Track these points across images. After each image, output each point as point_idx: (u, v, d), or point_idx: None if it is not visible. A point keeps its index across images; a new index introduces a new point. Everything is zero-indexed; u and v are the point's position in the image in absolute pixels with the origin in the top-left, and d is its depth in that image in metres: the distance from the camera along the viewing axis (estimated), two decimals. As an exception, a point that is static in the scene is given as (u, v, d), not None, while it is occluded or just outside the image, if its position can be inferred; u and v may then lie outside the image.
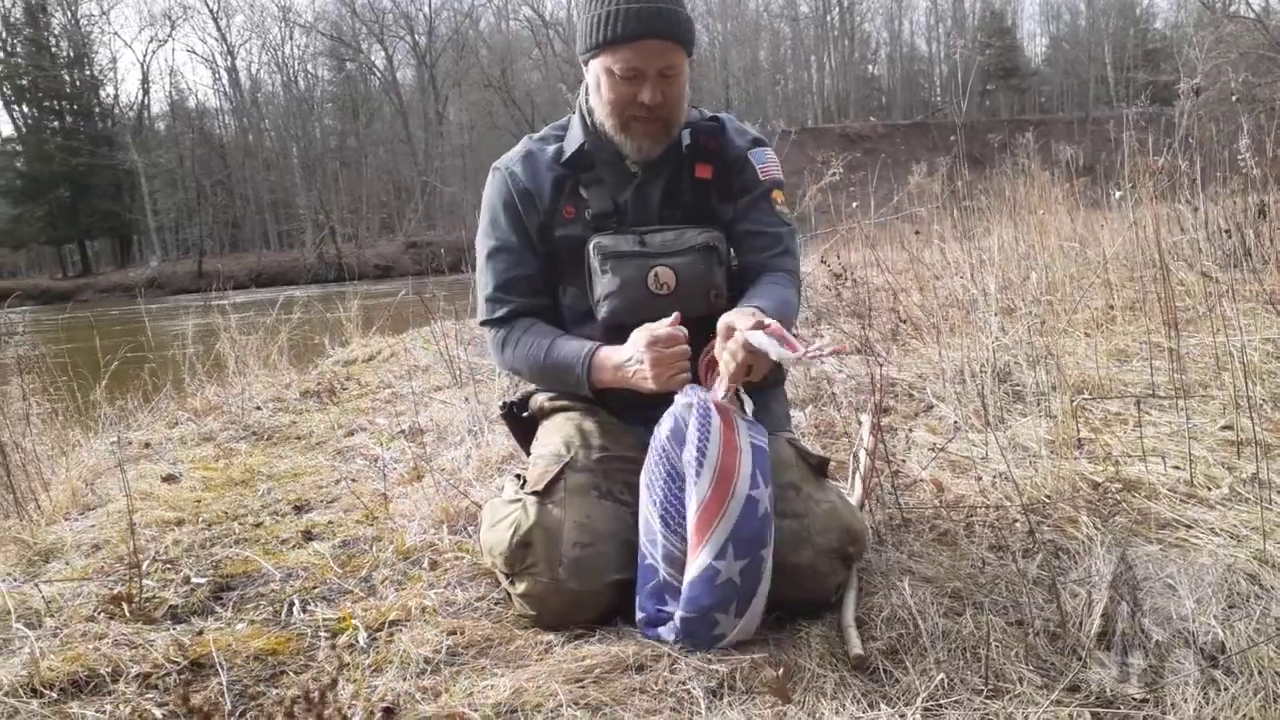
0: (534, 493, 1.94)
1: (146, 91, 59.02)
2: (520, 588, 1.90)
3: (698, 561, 1.74)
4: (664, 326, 1.91)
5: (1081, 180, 7.65)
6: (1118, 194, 4.73)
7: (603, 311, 2.03)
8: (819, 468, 2.07)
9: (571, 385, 2.04)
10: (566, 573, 1.85)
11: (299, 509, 2.77)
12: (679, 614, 1.76)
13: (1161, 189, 5.48)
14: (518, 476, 2.12)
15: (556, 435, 2.09)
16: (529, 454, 2.20)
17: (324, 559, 2.27)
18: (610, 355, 1.98)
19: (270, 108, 54.26)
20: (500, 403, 2.29)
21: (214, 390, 4.59)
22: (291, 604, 2.03)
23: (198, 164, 50.80)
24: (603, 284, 2.03)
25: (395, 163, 50.93)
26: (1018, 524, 2.31)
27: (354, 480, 2.93)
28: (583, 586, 1.86)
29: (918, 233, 5.32)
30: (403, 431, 3.42)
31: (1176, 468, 2.72)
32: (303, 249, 43.13)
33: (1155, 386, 3.61)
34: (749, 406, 1.83)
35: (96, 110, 50.55)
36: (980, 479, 2.56)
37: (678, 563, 1.79)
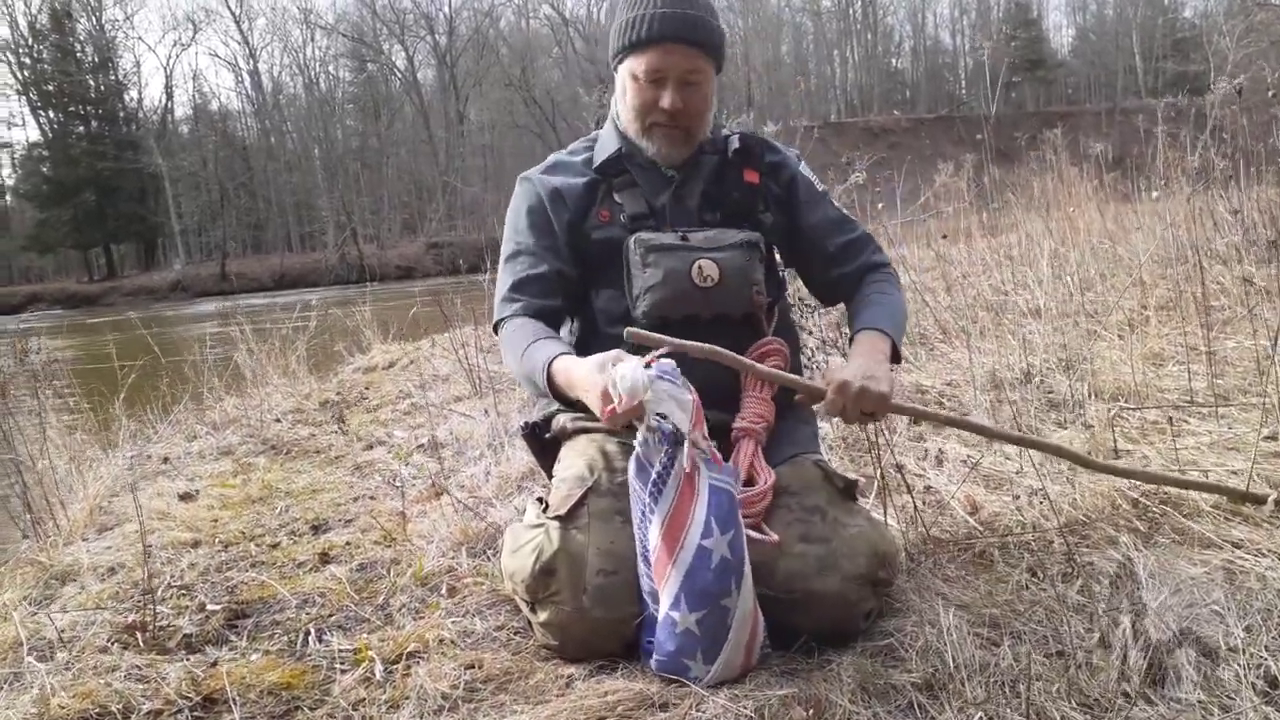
0: (557, 517, 1.88)
1: (170, 95, 59.39)
2: (543, 616, 1.84)
3: (660, 607, 1.71)
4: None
5: (1111, 175, 7.52)
6: (1154, 194, 4.61)
7: (644, 306, 1.98)
8: (847, 490, 2.00)
9: (542, 393, 1.97)
10: (591, 600, 1.79)
11: (316, 529, 2.72)
12: (654, 655, 1.73)
13: (1195, 186, 5.36)
14: (539, 500, 2.06)
15: (579, 458, 2.03)
16: (551, 476, 2.14)
17: (341, 584, 2.22)
18: (568, 369, 1.85)
19: (292, 109, 54.54)
20: (522, 422, 2.23)
21: (233, 403, 4.57)
22: (307, 633, 1.98)
23: (220, 167, 51.14)
24: (644, 278, 1.98)
25: (416, 163, 51.08)
26: (1055, 545, 2.23)
27: (372, 498, 2.88)
28: (607, 614, 1.79)
29: (945, 236, 5.22)
30: (421, 446, 3.38)
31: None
32: (325, 250, 43.32)
33: (1193, 393, 3.52)
34: (702, 442, 1.75)
35: (121, 115, 50.99)
36: (1017, 496, 2.48)
37: (655, 598, 1.75)
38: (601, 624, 1.80)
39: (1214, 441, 2.94)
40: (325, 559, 2.42)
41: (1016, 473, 2.69)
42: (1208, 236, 5.31)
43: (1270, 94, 4.76)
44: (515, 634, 1.92)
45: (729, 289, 1.99)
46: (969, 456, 2.84)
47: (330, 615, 2.08)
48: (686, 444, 1.68)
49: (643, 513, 1.75)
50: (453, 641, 1.87)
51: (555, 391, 1.89)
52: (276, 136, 53.94)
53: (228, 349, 6.15)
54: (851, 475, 2.01)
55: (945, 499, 2.57)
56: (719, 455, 1.90)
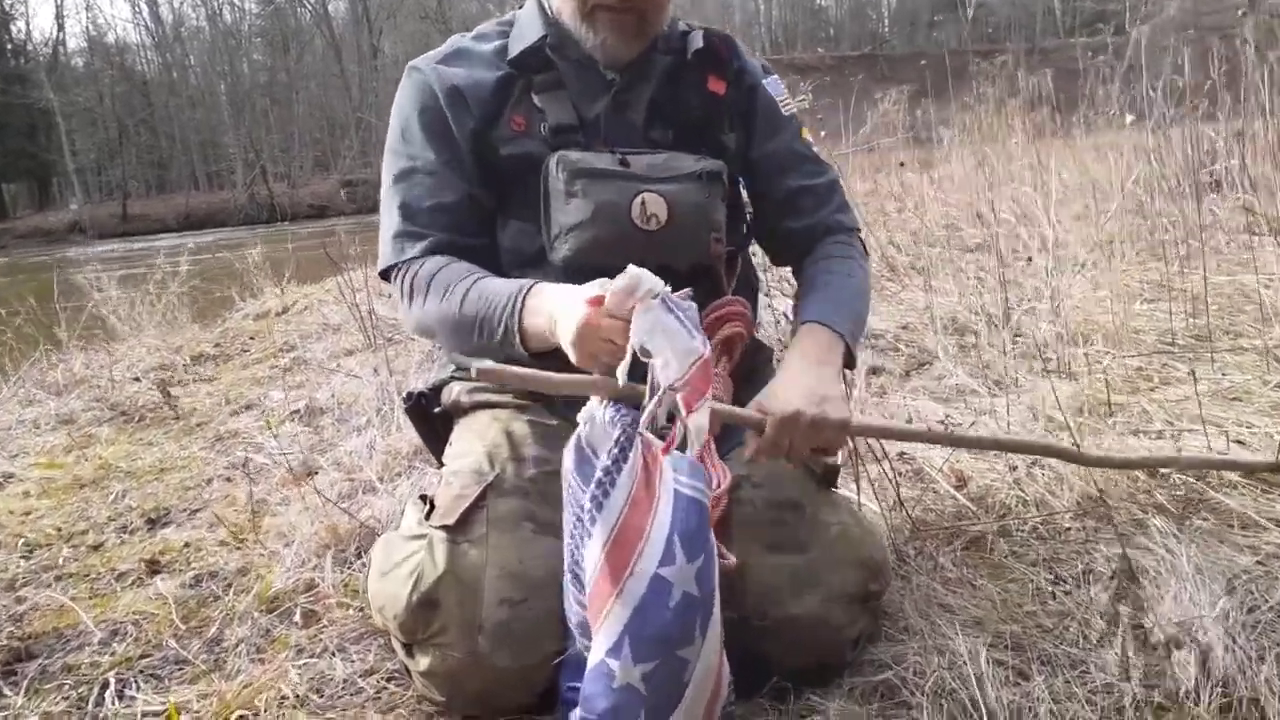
0: (444, 527, 1.39)
1: (61, 26, 56.10)
2: (424, 663, 1.35)
3: (594, 649, 1.18)
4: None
5: (1042, 111, 7.21)
6: (1128, 118, 4.24)
7: (565, 249, 1.47)
8: (826, 478, 1.54)
9: (498, 343, 1.42)
10: (490, 642, 1.30)
11: (153, 522, 2.17)
12: (579, 712, 1.23)
13: (1165, 115, 5.00)
14: (422, 499, 1.57)
15: (477, 441, 1.52)
16: (441, 463, 1.65)
17: (165, 607, 1.69)
18: (553, 297, 1.37)
19: (195, 43, 51.71)
20: (404, 393, 1.71)
21: (82, 360, 3.92)
22: (106, 685, 1.45)
23: (118, 102, 48.39)
24: (567, 212, 1.46)
25: (328, 98, 49.01)
26: (1071, 531, 1.81)
27: (229, 479, 2.34)
28: (514, 660, 1.31)
29: (902, 164, 4.78)
30: (297, 412, 2.83)
31: (1240, 441, 2.25)
32: (233, 190, 41.53)
33: (1174, 334, 3.15)
34: (695, 438, 1.24)
35: (9, 47, 47.88)
36: (1014, 466, 2.06)
37: (588, 632, 1.25)
38: (506, 674, 1.31)
39: (1214, 391, 2.56)
40: (154, 568, 1.88)
41: (1006, 435, 2.26)
42: (1199, 164, 4.97)
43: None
44: (389, 680, 1.43)
45: (680, 233, 1.48)
46: (947, 416, 2.42)
47: (143, 656, 1.54)
48: (644, 419, 1.20)
49: (578, 519, 1.26)
50: (300, 699, 1.37)
51: (526, 338, 1.38)
52: (179, 71, 51.18)
53: (104, 296, 5.47)
54: (831, 459, 1.55)
55: (924, 468, 2.14)
56: (713, 452, 1.41)
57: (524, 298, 1.38)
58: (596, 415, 1.25)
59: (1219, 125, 5.02)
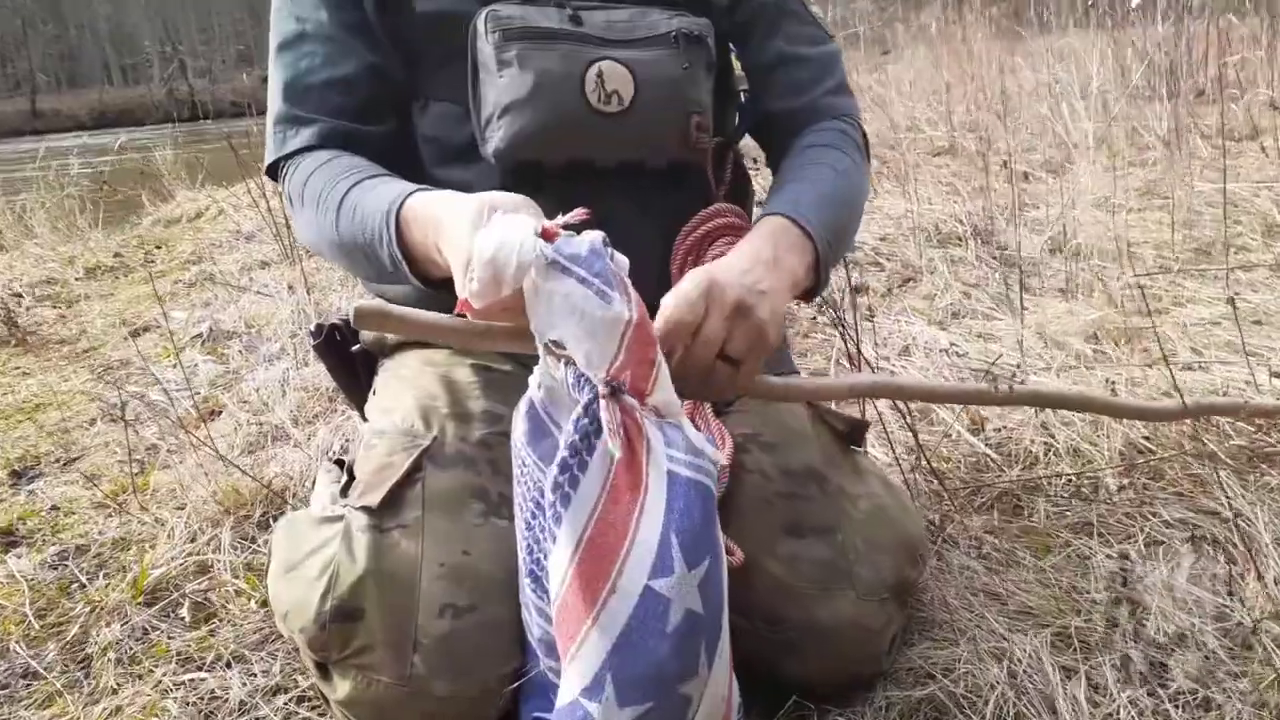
0: (366, 508, 1.06)
1: (-46, -97, 52.09)
2: (342, 689, 1.02)
3: (565, 684, 0.86)
4: (484, 282, 0.83)
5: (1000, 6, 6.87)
6: (1133, 2, 3.92)
7: (498, 139, 1.09)
8: (851, 435, 1.24)
9: (392, 275, 1.05)
10: (428, 663, 0.98)
11: (18, 476, 1.78)
12: None
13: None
14: (339, 464, 1.23)
15: (407, 393, 1.18)
16: (363, 415, 1.30)
17: (18, 594, 1.34)
18: (435, 214, 0.97)
19: (102, -77, 48.65)
20: (313, 325, 1.35)
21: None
22: (-78, 713, 1.12)
23: (21, -13, 45.52)
24: (501, 86, 1.08)
25: (250, -12, 46.62)
26: (1115, 490, 1.53)
27: (116, 419, 1.96)
28: (458, 687, 0.99)
29: (886, 53, 4.40)
30: (200, 336, 2.44)
31: (1280, 376, 2.00)
32: (150, 85, 39.53)
33: (1172, 246, 2.89)
34: (671, 417, 0.89)
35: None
36: (1038, 411, 1.77)
37: (554, 651, 0.93)
38: (449, 704, 0.99)
39: (1231, 314, 2.30)
40: (9, 540, 1.52)
41: (1017, 366, 1.97)
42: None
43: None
44: (301, 702, 1.11)
45: (650, 116, 1.11)
46: (951, 345, 2.12)
47: (-19, 667, 1.21)
48: (604, 400, 0.85)
49: (537, 508, 0.94)
50: (178, 735, 1.05)
51: (411, 258, 1.00)
52: (85, -46, 48.20)
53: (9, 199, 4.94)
54: (851, 411, 1.23)
55: (931, 407, 1.85)
56: (706, 411, 1.10)
57: (395, 218, 0.99)
58: (556, 373, 0.91)
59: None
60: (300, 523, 1.12)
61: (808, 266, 1.06)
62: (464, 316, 0.88)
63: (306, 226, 1.15)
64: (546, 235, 0.81)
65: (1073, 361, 1.98)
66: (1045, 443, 1.66)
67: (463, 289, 0.85)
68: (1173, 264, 2.76)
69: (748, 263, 1.00)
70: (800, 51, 1.26)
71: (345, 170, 1.10)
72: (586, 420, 0.85)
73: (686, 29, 1.14)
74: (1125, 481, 1.52)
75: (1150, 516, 1.42)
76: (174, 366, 2.18)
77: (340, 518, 1.06)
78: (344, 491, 1.11)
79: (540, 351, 0.86)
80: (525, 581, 0.97)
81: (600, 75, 1.10)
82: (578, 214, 0.84)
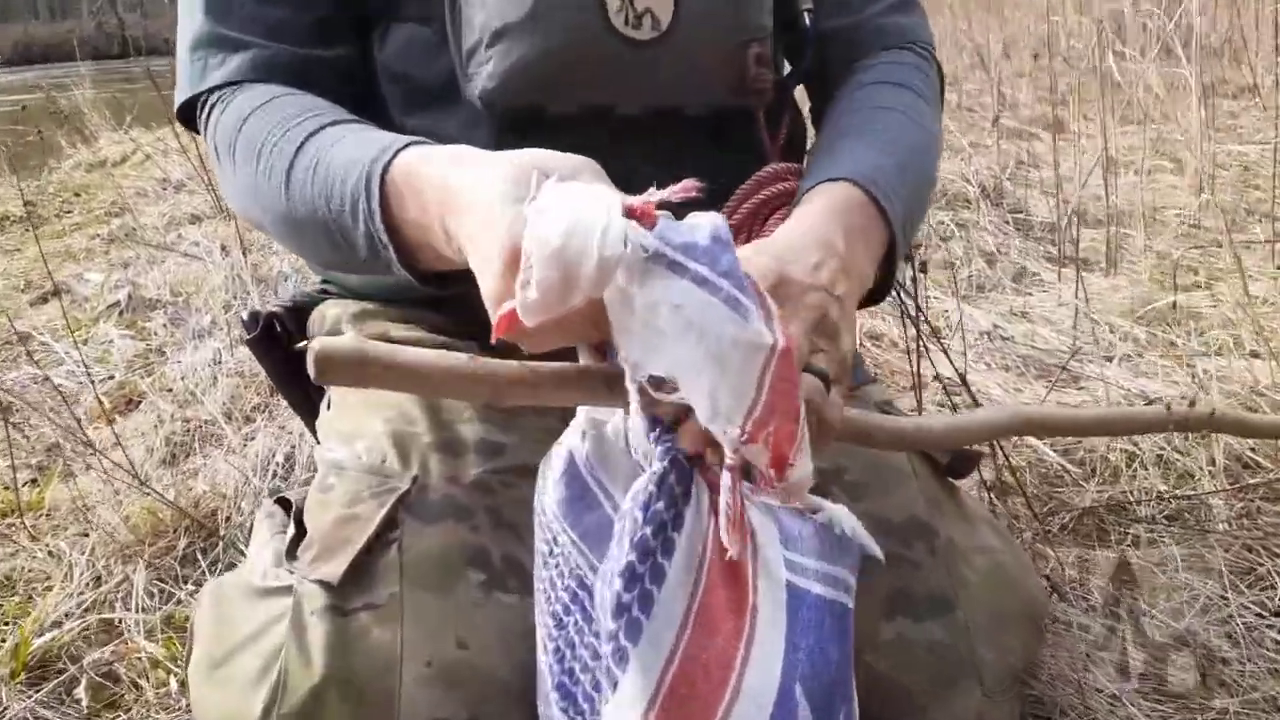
0: (324, 583, 0.76)
1: None
2: (289, 835, 0.74)
3: None
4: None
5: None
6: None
7: (487, 73, 0.77)
8: (953, 469, 0.96)
9: (364, 260, 0.72)
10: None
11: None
12: None
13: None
14: (282, 504, 0.92)
15: (372, 416, 0.85)
16: (315, 435, 0.99)
17: None
18: (445, 169, 0.64)
19: None
20: (247, 312, 1.03)
21: None
22: None
23: (-63, -87, 43.17)
24: (490, 7, 0.77)
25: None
26: (1240, 519, 1.25)
27: (8, 406, 1.61)
28: None
29: None
30: (117, 305, 2.08)
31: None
32: (79, 19, 37.91)
33: (1198, 214, 2.67)
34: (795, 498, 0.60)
35: None
36: (1120, 400, 1.51)
37: None
38: None
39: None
40: None
41: (1076, 352, 1.70)
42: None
43: None
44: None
45: (693, 44, 0.81)
46: (995, 327, 1.86)
47: None
48: (728, 473, 0.56)
49: (574, 602, 0.65)
50: None
51: (404, 242, 0.68)
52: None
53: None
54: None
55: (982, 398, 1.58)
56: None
57: (380, 182, 0.67)
58: (610, 420, 0.62)
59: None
60: (232, 595, 0.82)
61: (879, 258, 0.75)
62: (493, 348, 0.58)
63: (243, 191, 0.81)
64: (637, 215, 0.51)
65: (1136, 349, 1.73)
66: (1126, 451, 1.41)
67: (497, 294, 0.55)
68: (1205, 231, 2.54)
69: (817, 252, 0.68)
70: None
71: (299, 113, 0.77)
72: (662, 504, 0.55)
73: None
74: (1238, 505, 1.28)
75: (1278, 552, 1.18)
76: (85, 343, 1.84)
77: (288, 589, 0.76)
78: (292, 551, 0.81)
79: (632, 397, 0.56)
80: (552, 696, 0.68)
81: None
82: (685, 187, 0.53)
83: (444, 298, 0.83)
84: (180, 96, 0.86)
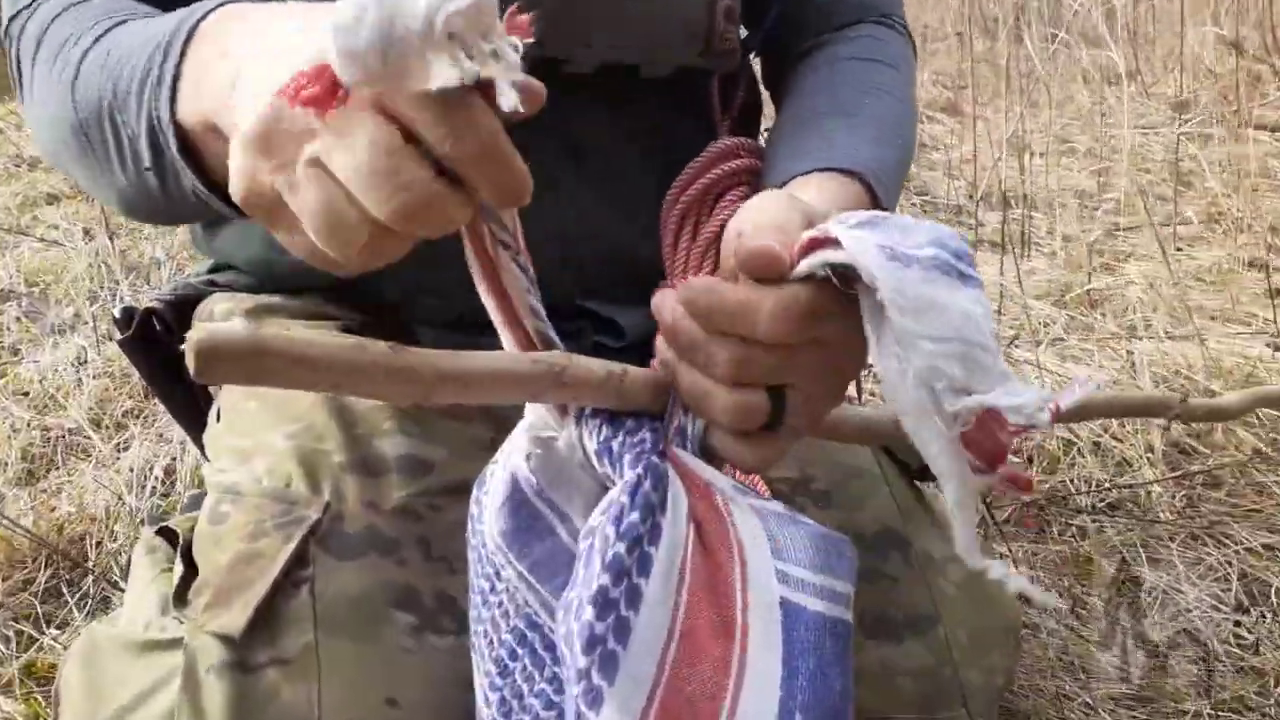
0: (220, 635, 0.63)
1: None
2: None
3: None
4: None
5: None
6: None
7: None
8: (925, 474, 0.88)
9: (151, 170, 0.53)
10: None
11: None
12: None
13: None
14: (165, 534, 0.78)
15: (275, 429, 0.72)
16: (203, 451, 0.85)
17: None
18: (257, 25, 0.47)
19: None
20: (118, 309, 0.88)
21: None
22: None
23: None
24: None
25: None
26: (1184, 509, 1.21)
27: None
28: None
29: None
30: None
31: None
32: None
33: (1093, 195, 2.70)
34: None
35: None
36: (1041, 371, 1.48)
37: None
38: None
39: (1182, 273, 2.11)
40: None
41: (1014, 339, 1.66)
42: None
43: None
44: None
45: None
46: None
47: None
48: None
49: (521, 645, 0.55)
50: None
51: (199, 147, 0.49)
52: None
53: None
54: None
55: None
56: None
57: (190, 33, 0.50)
58: (560, 433, 0.53)
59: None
60: (108, 650, 0.69)
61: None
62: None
63: (37, 108, 0.63)
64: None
65: (1060, 332, 1.71)
66: (1063, 438, 1.37)
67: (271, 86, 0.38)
68: (1106, 215, 2.57)
69: (783, 201, 0.53)
70: None
71: (117, 8, 0.61)
72: (637, 515, 0.47)
73: None
74: (1180, 494, 1.25)
75: (1224, 540, 1.15)
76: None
77: (177, 643, 0.64)
78: (181, 596, 0.68)
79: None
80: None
81: None
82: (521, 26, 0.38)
83: (360, 290, 0.71)
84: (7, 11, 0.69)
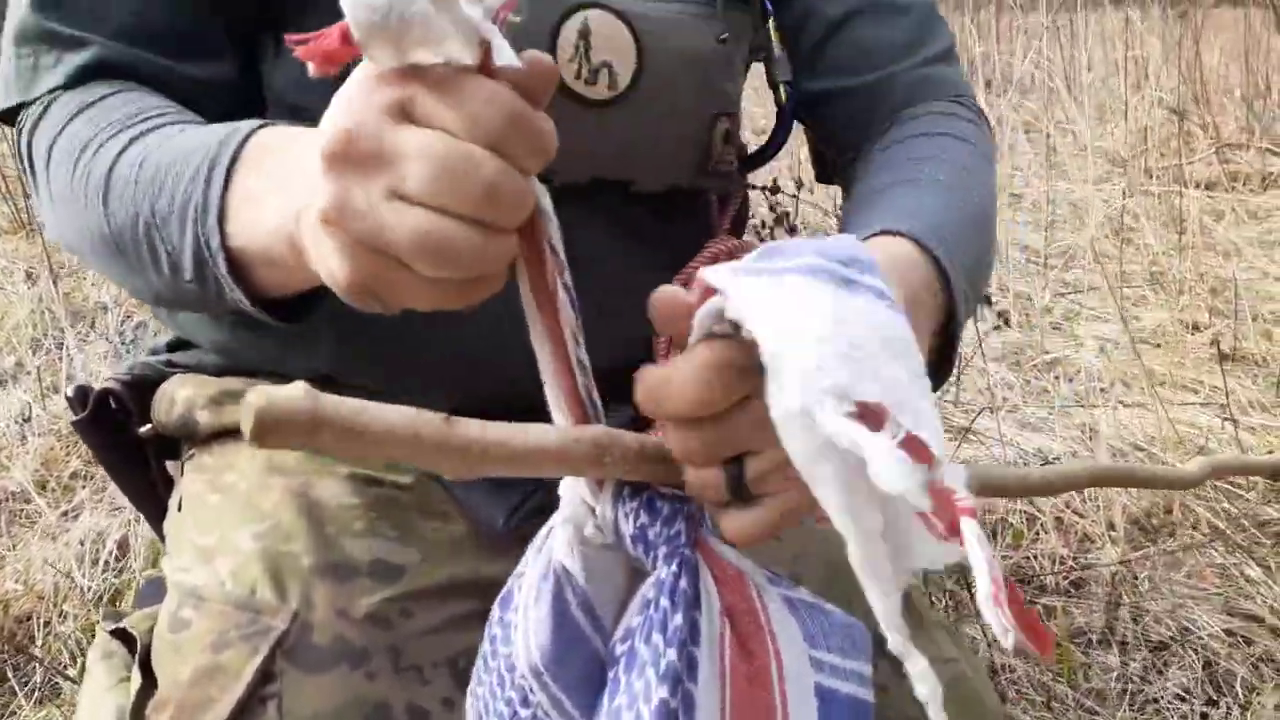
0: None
1: None
2: None
3: None
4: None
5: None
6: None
7: None
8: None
9: (192, 282, 0.54)
10: None
11: None
12: None
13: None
14: (121, 636, 0.74)
15: (241, 528, 0.69)
16: (161, 537, 0.81)
17: None
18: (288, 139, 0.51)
19: None
20: (70, 388, 0.84)
21: None
22: None
23: None
24: None
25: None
26: (1151, 588, 1.22)
27: None
28: None
29: None
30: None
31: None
32: None
33: (1040, 252, 2.75)
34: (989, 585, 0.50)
35: None
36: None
37: None
38: None
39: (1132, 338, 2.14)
40: None
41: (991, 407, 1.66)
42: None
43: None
44: None
45: (655, 111, 0.69)
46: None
47: None
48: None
49: None
50: None
51: (248, 267, 0.51)
52: None
53: None
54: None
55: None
56: (716, 548, 0.61)
57: (235, 156, 0.51)
58: (588, 520, 0.50)
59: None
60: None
61: (937, 330, 0.60)
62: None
63: (56, 206, 0.63)
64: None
65: (1015, 397, 1.72)
66: (1026, 513, 1.38)
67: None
68: (1051, 268, 2.61)
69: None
70: (875, 15, 0.81)
71: (137, 112, 0.60)
72: (680, 618, 0.45)
73: None
74: (1143, 574, 1.26)
75: (1189, 626, 1.15)
76: None
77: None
78: (139, 711, 0.64)
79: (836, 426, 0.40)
80: None
81: (585, 33, 0.67)
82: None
83: (334, 380, 0.69)
84: (6, 100, 0.67)
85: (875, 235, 0.63)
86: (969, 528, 0.35)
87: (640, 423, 0.56)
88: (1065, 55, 4.40)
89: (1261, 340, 1.97)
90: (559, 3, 0.65)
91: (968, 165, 0.76)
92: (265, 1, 0.67)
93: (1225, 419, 1.60)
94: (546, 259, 0.46)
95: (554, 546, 0.52)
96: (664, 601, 0.46)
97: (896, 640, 0.41)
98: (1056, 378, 1.84)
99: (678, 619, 0.45)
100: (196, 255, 0.53)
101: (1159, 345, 2.11)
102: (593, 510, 0.51)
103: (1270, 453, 1.53)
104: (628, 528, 0.49)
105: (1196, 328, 2.16)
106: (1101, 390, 1.76)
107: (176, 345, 0.85)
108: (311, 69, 0.38)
